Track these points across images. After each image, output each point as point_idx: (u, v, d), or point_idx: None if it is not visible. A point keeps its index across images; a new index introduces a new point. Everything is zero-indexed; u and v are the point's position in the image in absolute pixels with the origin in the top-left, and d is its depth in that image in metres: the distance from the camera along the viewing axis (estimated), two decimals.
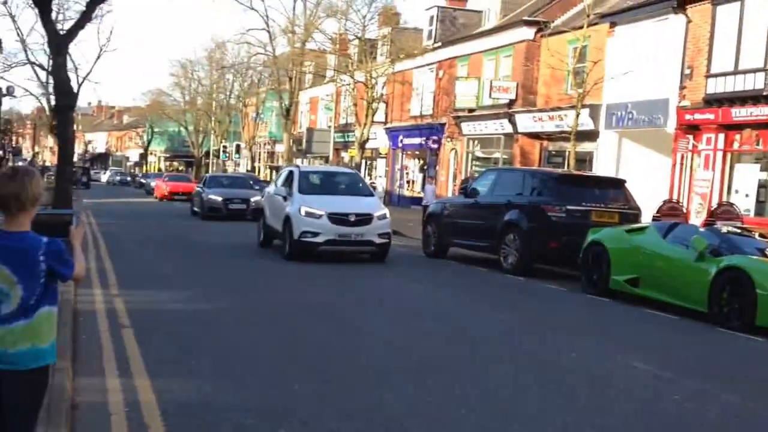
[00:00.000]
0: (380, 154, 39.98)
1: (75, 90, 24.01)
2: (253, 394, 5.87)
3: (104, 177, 77.77)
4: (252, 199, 25.05)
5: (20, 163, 26.71)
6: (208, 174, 36.15)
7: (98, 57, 67.46)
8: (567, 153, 23.72)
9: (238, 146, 56.90)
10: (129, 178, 73.30)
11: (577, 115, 22.15)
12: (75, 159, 39.07)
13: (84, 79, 37.85)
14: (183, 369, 6.55)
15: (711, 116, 19.68)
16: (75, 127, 27.70)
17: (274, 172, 51.22)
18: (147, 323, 8.33)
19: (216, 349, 7.31)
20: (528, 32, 27.95)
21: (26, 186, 3.31)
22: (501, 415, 5.56)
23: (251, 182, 29.80)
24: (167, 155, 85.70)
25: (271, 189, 17.42)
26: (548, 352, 7.74)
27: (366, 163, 40.44)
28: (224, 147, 58.51)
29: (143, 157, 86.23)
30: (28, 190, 3.30)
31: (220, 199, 25.59)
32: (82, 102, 73.87)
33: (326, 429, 5.13)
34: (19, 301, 3.30)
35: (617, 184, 15.35)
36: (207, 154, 64.35)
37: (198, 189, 27.98)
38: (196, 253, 15.81)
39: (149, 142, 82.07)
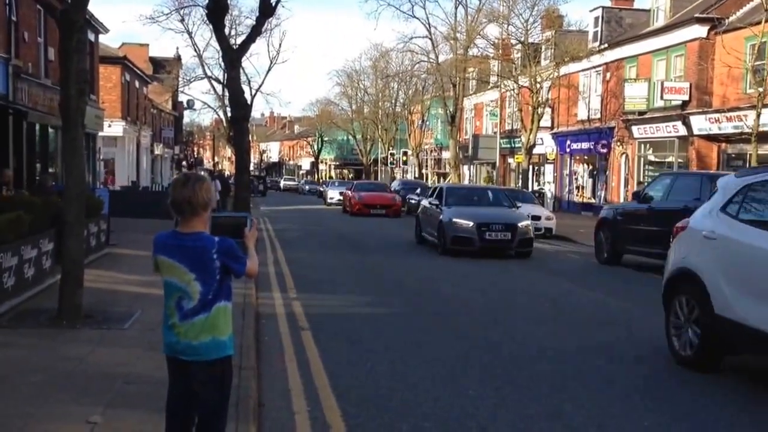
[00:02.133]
0: (548, 159, 39.26)
1: (249, 101, 25.47)
2: (428, 397, 5.96)
3: (282, 183, 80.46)
4: (520, 224, 16.89)
5: (202, 173, 28.73)
6: (443, 184, 23.87)
7: (269, 69, 71.38)
8: (748, 155, 22.27)
9: (405, 153, 57.87)
10: (318, 187, 62.80)
11: (758, 115, 20.77)
12: (251, 168, 41.15)
13: (257, 90, 40.13)
14: (360, 370, 6.76)
15: None
16: (250, 137, 29.28)
17: (441, 179, 51.72)
18: (324, 326, 8.68)
19: (390, 351, 7.49)
20: (701, 30, 26.56)
21: (197, 191, 3.60)
22: None
23: (507, 197, 19.63)
24: (337, 163, 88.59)
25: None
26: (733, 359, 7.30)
27: (533, 168, 39.86)
28: (392, 154, 59.68)
29: (314, 165, 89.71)
30: (198, 195, 3.59)
31: (471, 224, 16.70)
32: (255, 113, 78.10)
33: None
34: (199, 297, 3.60)
35: None
36: (375, 161, 65.87)
37: (428, 205, 19.37)
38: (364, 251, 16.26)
39: (320, 151, 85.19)
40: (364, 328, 8.66)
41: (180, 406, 3.74)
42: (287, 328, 8.54)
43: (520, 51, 37.08)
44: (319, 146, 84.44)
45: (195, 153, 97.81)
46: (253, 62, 71.95)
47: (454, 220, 16.81)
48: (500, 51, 39.05)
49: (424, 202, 20.39)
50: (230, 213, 4.05)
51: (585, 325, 9.25)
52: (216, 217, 4.04)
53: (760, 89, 20.77)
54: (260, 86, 42.11)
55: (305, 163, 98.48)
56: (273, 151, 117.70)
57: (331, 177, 79.99)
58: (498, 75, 39.66)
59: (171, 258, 3.63)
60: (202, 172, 30.24)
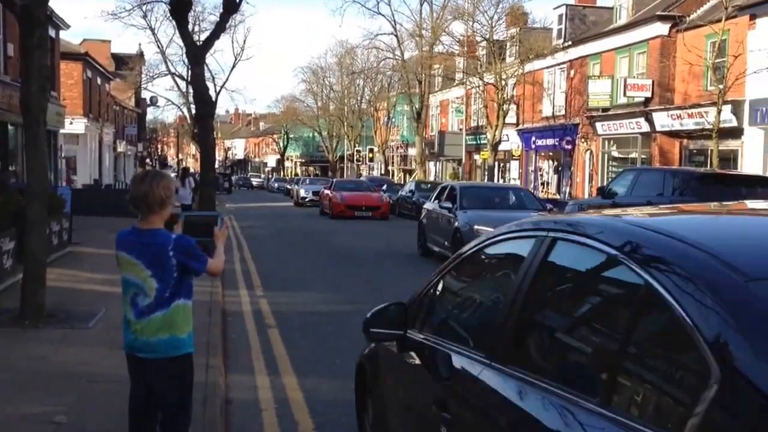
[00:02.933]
0: (513, 155, 39.57)
1: (213, 98, 25.25)
2: None
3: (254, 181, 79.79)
4: None
5: (166, 171, 28.45)
6: (456, 183, 19.99)
7: (234, 66, 70.81)
8: (709, 151, 22.65)
9: (371, 150, 57.87)
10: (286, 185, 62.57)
11: (719, 112, 21.14)
12: (216, 165, 40.86)
13: (221, 87, 39.77)
14: (329, 368, 6.75)
15: None
16: (215, 134, 29.06)
17: (407, 176, 51.83)
18: (292, 323, 8.65)
19: (357, 348, 7.47)
20: (662, 28, 26.97)
21: (153, 188, 3.57)
22: None
23: (535, 199, 17.69)
24: (302, 160, 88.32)
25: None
26: None
27: (499, 165, 40.12)
28: (358, 151, 59.68)
29: (280, 162, 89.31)
30: (155, 192, 3.56)
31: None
32: (220, 110, 77.59)
33: None
34: (155, 294, 3.57)
35: (765, 182, 14.51)
36: (341, 158, 65.80)
37: (436, 208, 16.24)
38: (339, 256, 16.21)
39: (285, 148, 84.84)
40: (331, 325, 8.65)
41: (142, 404, 3.70)
42: (254, 326, 8.50)
43: (485, 48, 37.32)
44: (285, 143, 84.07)
45: (159, 150, 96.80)
46: (217, 59, 71.84)
47: (476, 227, 13.34)
48: (465, 48, 39.25)
49: (429, 205, 17.06)
50: (202, 212, 3.97)
51: None
52: (188, 215, 4.02)
53: (721, 86, 21.13)
54: (225, 83, 41.78)
55: (271, 160, 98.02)
56: (238, 148, 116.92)
57: (297, 174, 79.71)
58: (463, 72, 39.85)
59: (129, 254, 3.60)
60: (166, 171, 29.93)
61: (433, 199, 17.37)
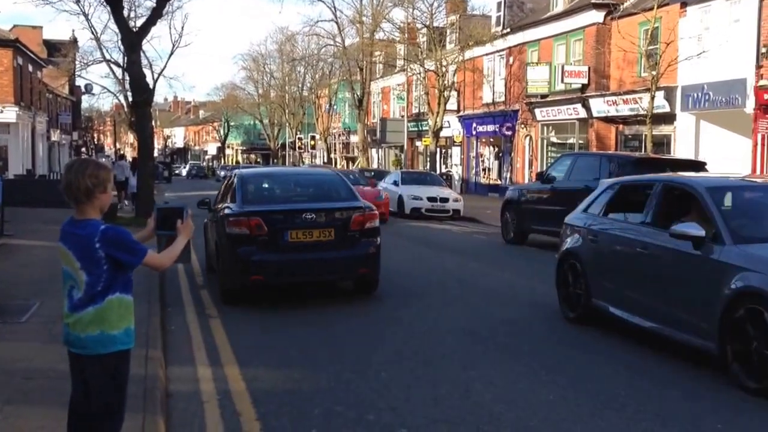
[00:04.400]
0: (454, 142, 39.84)
1: (151, 86, 24.73)
2: (340, 380, 5.98)
3: (184, 171, 79.42)
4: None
5: (103, 160, 27.86)
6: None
7: (171, 53, 69.59)
8: (644, 136, 23.22)
9: (313, 137, 57.56)
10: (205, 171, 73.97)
11: (652, 98, 21.67)
12: (155, 154, 40.06)
13: (159, 74, 38.91)
14: (271, 358, 6.71)
15: None
16: (153, 122, 28.47)
17: (350, 163, 51.70)
18: (234, 313, 8.55)
19: (301, 336, 7.46)
20: (597, 15, 27.53)
21: (79, 177, 3.44)
22: (590, 401, 5.52)
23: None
24: (244, 148, 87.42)
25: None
26: None
27: (441, 151, 40.35)
28: (299, 139, 59.32)
29: (221, 150, 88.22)
30: (81, 181, 3.43)
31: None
32: (158, 98, 76.08)
33: (414, 415, 5.19)
34: (84, 287, 3.45)
35: (697, 166, 14.90)
36: (283, 146, 65.32)
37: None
38: None
39: (226, 136, 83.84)
40: (275, 314, 8.59)
41: (78, 400, 3.60)
42: (195, 316, 8.39)
43: (426, 35, 37.41)
44: (226, 131, 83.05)
45: (95, 139, 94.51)
46: (154, 45, 70.58)
47: None
48: (406, 35, 39.27)
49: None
50: (172, 204, 3.91)
51: (491, 303, 9.45)
52: (161, 207, 3.90)
53: (654, 73, 21.64)
54: (162, 70, 40.84)
55: (212, 149, 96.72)
56: (178, 136, 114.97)
57: (238, 162, 78.79)
58: (404, 59, 39.88)
59: (65, 245, 3.50)
60: (103, 160, 29.19)
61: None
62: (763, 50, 19.92)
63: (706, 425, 5.07)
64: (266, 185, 10.74)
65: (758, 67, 20.08)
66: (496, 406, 5.37)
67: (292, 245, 9.06)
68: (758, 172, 20.28)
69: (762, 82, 19.84)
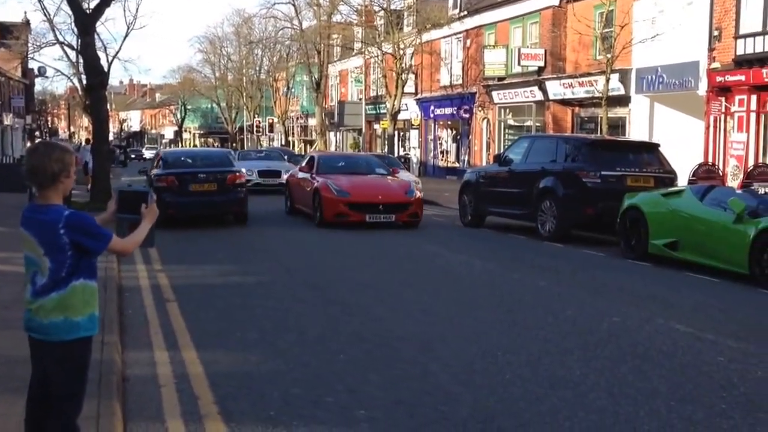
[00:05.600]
0: (412, 125, 39.88)
1: (105, 68, 24.29)
2: (298, 363, 5.98)
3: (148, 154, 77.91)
4: None
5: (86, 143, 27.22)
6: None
7: (126, 35, 68.02)
8: (599, 119, 23.51)
9: (271, 121, 57.10)
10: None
11: (607, 81, 21.96)
12: (111, 137, 39.37)
13: (114, 57, 38.19)
14: (229, 341, 6.69)
15: (742, 78, 19.36)
16: (108, 105, 27.96)
17: (308, 146, 51.46)
18: (192, 297, 8.50)
19: (260, 319, 7.44)
20: None
21: (44, 161, 3.39)
22: (545, 380, 5.61)
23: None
24: (201, 132, 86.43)
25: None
26: (589, 316, 7.75)
27: (399, 134, 40.37)
28: (258, 122, 58.82)
29: (178, 134, 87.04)
30: (46, 165, 3.38)
31: None
32: (113, 80, 74.73)
33: (372, 397, 5.22)
34: (48, 273, 3.39)
35: (651, 148, 15.19)
36: (241, 129, 64.73)
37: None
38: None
39: (183, 120, 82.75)
40: (234, 297, 8.56)
41: (38, 387, 3.56)
42: (152, 301, 8.30)
43: (383, 18, 37.28)
44: (183, 114, 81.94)
45: (49, 123, 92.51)
46: (108, 28, 68.81)
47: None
48: (363, 17, 39.12)
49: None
50: (135, 188, 3.83)
51: (451, 286, 9.54)
52: (123, 191, 3.83)
53: (609, 56, 21.90)
54: (117, 53, 39.89)
55: (168, 132, 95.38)
56: (134, 120, 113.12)
57: (195, 146, 77.79)
58: (362, 41, 39.75)
59: (27, 230, 3.43)
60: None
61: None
62: (715, 33, 20.28)
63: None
64: (178, 158, 17.39)
65: (710, 50, 20.44)
66: (454, 387, 5.43)
67: (192, 192, 15.32)
68: (710, 153, 20.71)
69: (714, 65, 20.21)
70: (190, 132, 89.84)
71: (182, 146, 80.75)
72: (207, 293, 8.78)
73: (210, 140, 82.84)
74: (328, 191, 15.36)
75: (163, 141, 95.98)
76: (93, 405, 4.55)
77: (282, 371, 5.78)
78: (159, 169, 15.92)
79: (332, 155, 23.15)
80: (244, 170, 23.08)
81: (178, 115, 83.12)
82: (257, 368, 5.88)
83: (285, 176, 23.25)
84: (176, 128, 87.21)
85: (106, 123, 21.59)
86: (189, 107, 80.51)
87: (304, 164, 17.95)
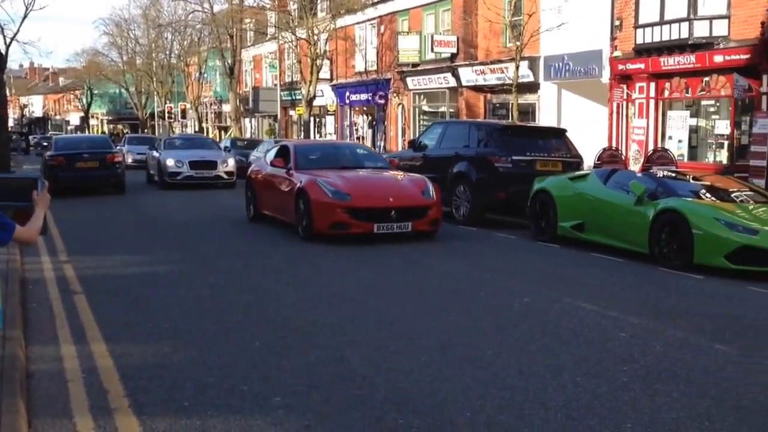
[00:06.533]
0: (328, 111, 39.72)
1: (3, 51, 23.20)
2: (212, 352, 5.92)
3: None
4: None
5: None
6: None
7: (25, 16, 64.98)
8: (510, 105, 23.98)
9: (183, 106, 55.82)
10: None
11: (517, 68, 22.42)
12: (11, 124, 37.75)
13: (12, 39, 36.55)
14: (140, 332, 6.55)
15: (642, 66, 20.11)
16: (8, 90, 26.79)
17: (223, 133, 50.59)
18: (100, 288, 8.28)
19: (172, 309, 7.32)
20: None
21: None
22: (458, 361, 5.73)
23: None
24: (110, 118, 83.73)
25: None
26: (501, 298, 7.94)
27: (315, 120, 40.14)
28: (169, 108, 57.38)
29: (84, 120, 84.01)
30: None
31: None
32: (12, 64, 71.36)
33: (287, 383, 5.22)
34: None
35: (559, 133, 15.62)
36: (152, 115, 63.05)
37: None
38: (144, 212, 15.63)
39: (89, 105, 79.91)
40: (144, 288, 8.38)
41: None
42: (58, 293, 8.05)
43: (297, 2, 36.93)
44: (89, 100, 79.09)
45: None
46: (5, 8, 65.50)
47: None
48: (276, 2, 38.63)
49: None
50: (17, 174, 3.67)
51: (363, 270, 9.58)
52: (10, 178, 3.67)
53: (518, 43, 22.35)
54: (15, 34, 38.09)
55: (74, 118, 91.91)
56: (36, 105, 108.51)
57: (104, 132, 75.31)
58: (275, 26, 39.27)
59: None
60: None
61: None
62: (617, 23, 20.97)
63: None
64: (68, 142, 23.00)
65: (612, 38, 21.12)
66: (369, 371, 5.48)
67: (78, 169, 19.93)
68: (613, 138, 21.45)
69: (616, 54, 20.90)
70: (97, 118, 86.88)
71: (89, 133, 78.31)
72: (117, 284, 8.57)
73: (120, 126, 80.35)
74: (319, 193, 11.55)
75: (69, 127, 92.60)
76: None
77: (195, 361, 5.71)
78: (51, 151, 21.04)
79: (310, 144, 19.31)
80: (172, 161, 22.05)
81: (84, 101, 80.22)
82: (170, 359, 5.79)
83: (222, 168, 22.56)
84: (82, 114, 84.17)
85: (5, 108, 20.71)
86: (96, 92, 77.76)
87: (273, 157, 14.05)
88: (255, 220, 14.14)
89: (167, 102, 58.25)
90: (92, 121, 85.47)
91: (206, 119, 56.37)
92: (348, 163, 13.37)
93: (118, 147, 37.23)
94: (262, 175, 14.17)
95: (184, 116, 56.22)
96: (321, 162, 13.14)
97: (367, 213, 11.44)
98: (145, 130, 61.93)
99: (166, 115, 57.13)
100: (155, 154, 23.68)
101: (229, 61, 42.95)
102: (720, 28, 18.10)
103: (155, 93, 60.17)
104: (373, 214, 11.45)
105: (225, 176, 22.56)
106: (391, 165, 13.98)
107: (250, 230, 13.37)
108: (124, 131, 73.10)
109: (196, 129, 53.03)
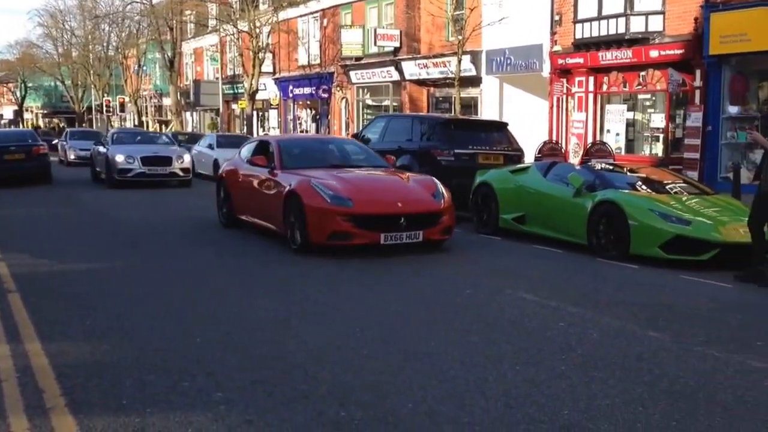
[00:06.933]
0: (271, 104, 39.43)
1: None
2: (151, 348, 5.84)
3: None
4: None
5: None
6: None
7: None
8: (453, 99, 24.19)
9: (122, 100, 54.71)
10: None
11: (459, 62, 22.62)
12: None
13: None
14: (77, 330, 6.42)
15: (581, 60, 20.53)
16: None
17: (163, 127, 49.74)
18: (35, 286, 8.08)
19: (110, 306, 7.19)
20: None
21: None
22: (401, 353, 5.77)
23: None
24: (45, 111, 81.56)
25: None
26: (443, 290, 8.02)
27: (258, 114, 39.79)
28: (107, 101, 56.17)
29: (18, 114, 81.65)
30: None
31: None
32: None
33: (230, 379, 5.19)
34: None
35: (500, 127, 15.82)
36: (90, 109, 61.63)
37: None
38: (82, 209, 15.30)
39: (23, 99, 77.70)
40: (83, 285, 8.21)
41: None
42: None
43: None
44: (23, 93, 76.92)
45: None
46: None
47: None
48: None
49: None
50: None
51: (305, 265, 9.56)
52: None
53: (460, 37, 22.55)
54: None
55: (7, 112, 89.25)
56: None
57: (38, 126, 73.24)
58: (216, 19, 38.79)
59: None
60: None
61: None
62: (557, 18, 21.34)
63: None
64: None
65: (552, 33, 21.48)
66: (312, 365, 5.48)
67: (6, 161, 20.75)
68: (554, 131, 21.83)
69: (556, 48, 21.27)
70: (32, 112, 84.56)
71: (24, 127, 76.23)
72: (53, 282, 8.37)
73: (56, 120, 78.30)
74: (315, 198, 9.92)
75: (2, 121, 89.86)
76: None
77: (135, 358, 5.62)
78: None
79: (295, 139, 17.13)
80: (122, 157, 20.13)
81: (18, 94, 77.96)
82: (109, 356, 5.68)
83: (177, 164, 20.68)
84: (16, 108, 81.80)
85: None
86: (30, 85, 75.69)
87: (251, 154, 12.27)
88: (230, 226, 12.51)
89: (105, 95, 57.02)
90: (27, 115, 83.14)
91: (146, 113, 55.38)
92: (340, 162, 11.72)
93: (56, 141, 36.21)
94: (238, 175, 12.25)
95: (123, 110, 55.09)
96: (309, 160, 11.43)
97: (373, 221, 9.81)
98: (83, 124, 60.52)
99: (104, 108, 55.91)
100: (102, 149, 21.84)
101: (169, 54, 42.28)
102: (655, 24, 18.57)
103: (92, 86, 58.88)
104: (379, 222, 9.83)
105: (181, 173, 20.81)
106: (388, 162, 12.15)
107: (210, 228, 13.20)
108: (60, 125, 71.33)
109: (136, 123, 52.08)
